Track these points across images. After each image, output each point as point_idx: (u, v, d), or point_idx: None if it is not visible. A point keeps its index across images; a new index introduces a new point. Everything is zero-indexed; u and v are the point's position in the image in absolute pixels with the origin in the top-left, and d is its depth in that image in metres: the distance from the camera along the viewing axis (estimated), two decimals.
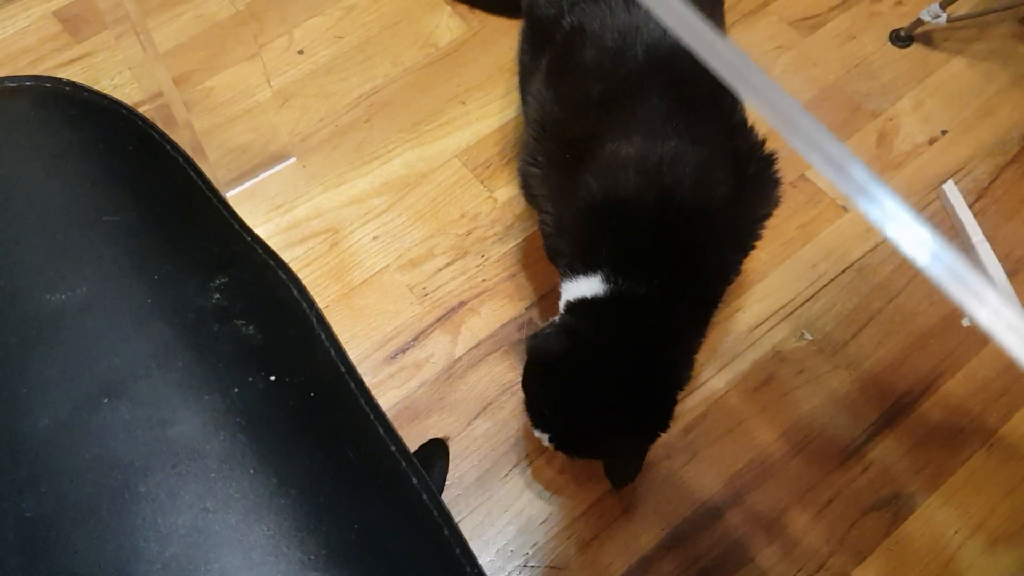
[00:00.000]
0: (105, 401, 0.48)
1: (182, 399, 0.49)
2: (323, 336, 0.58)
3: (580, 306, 0.97)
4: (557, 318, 1.01)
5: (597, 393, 0.96)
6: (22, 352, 0.50)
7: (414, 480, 0.53)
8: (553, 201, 1.02)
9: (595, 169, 0.96)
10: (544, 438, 1.01)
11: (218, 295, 0.54)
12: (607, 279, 0.95)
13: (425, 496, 0.52)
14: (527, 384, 1.02)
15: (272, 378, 0.52)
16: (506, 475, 1.11)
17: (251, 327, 0.54)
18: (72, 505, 0.46)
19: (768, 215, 1.03)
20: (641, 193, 0.94)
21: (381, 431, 0.54)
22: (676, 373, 0.99)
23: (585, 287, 0.97)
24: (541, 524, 1.08)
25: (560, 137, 1.02)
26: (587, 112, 1.00)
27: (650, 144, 0.95)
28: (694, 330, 1.00)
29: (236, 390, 0.50)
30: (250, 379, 0.51)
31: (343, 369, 0.57)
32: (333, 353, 0.57)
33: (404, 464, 0.53)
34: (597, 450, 1.01)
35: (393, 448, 0.54)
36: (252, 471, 0.48)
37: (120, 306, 0.52)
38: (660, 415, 0.98)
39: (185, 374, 0.50)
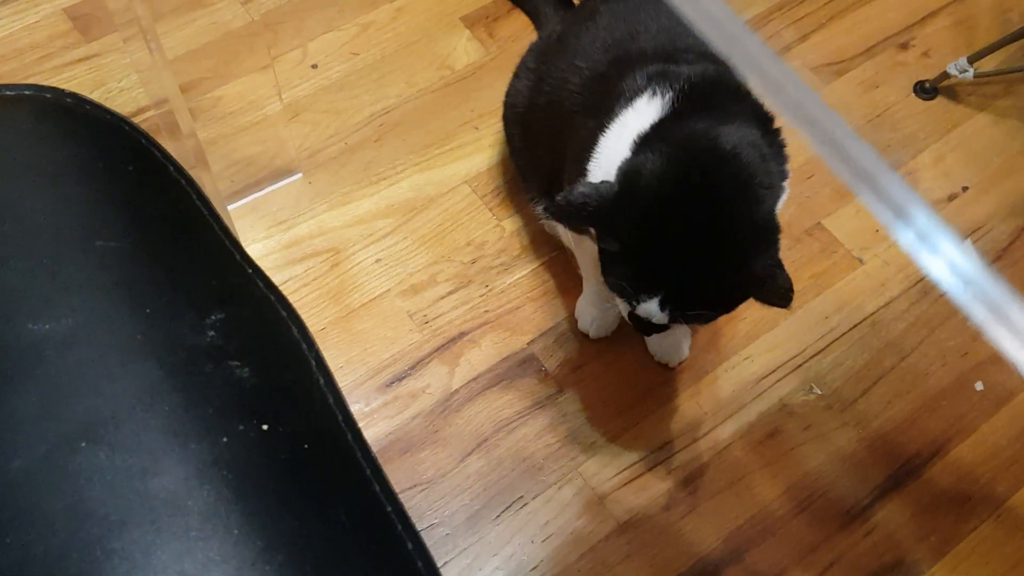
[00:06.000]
0: (83, 445, 0.45)
1: (166, 447, 0.46)
2: (321, 381, 0.54)
3: (643, 140, 0.87)
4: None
5: (704, 212, 0.83)
6: None
7: (409, 545, 0.49)
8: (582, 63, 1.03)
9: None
10: (652, 305, 0.85)
11: (213, 332, 0.51)
12: (664, 91, 0.88)
13: (420, 564, 0.49)
14: (608, 239, 0.87)
15: (264, 427, 0.49)
16: (497, 517, 1.07)
17: (246, 369, 0.50)
18: (39, 558, 0.43)
19: None
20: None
21: (377, 489, 0.51)
22: (766, 179, 0.86)
23: (637, 120, 0.88)
24: (532, 571, 1.04)
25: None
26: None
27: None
28: (767, 138, 0.90)
29: (225, 439, 0.47)
30: (241, 427, 0.48)
31: (340, 418, 0.53)
32: (331, 399, 0.54)
33: (399, 527, 0.50)
34: (734, 287, 0.86)
35: (389, 509, 0.50)
36: (236, 531, 0.44)
37: (107, 341, 0.48)
38: (772, 220, 0.86)
39: (171, 419, 0.46)
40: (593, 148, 0.94)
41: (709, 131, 0.86)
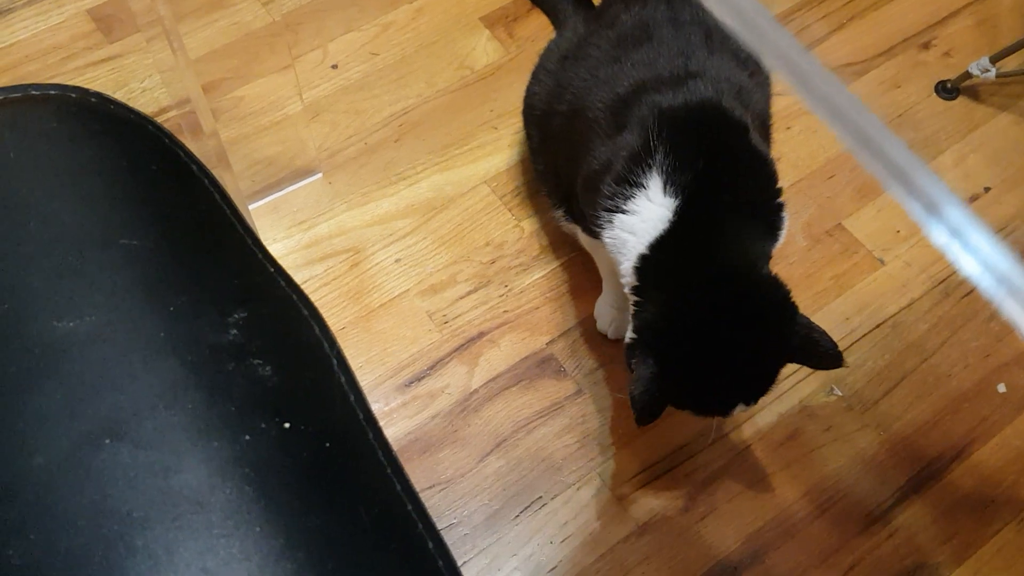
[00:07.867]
0: (106, 442, 0.45)
1: (188, 444, 0.46)
2: (343, 379, 0.54)
3: (655, 257, 0.93)
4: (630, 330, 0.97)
5: (740, 314, 0.93)
6: (22, 382, 0.47)
7: (430, 544, 0.49)
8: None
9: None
10: (735, 411, 0.98)
11: (235, 331, 0.51)
12: (676, 189, 0.92)
13: (441, 563, 0.49)
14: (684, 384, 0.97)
15: (286, 425, 0.49)
16: (516, 517, 1.07)
17: (268, 367, 0.51)
18: (62, 554, 0.43)
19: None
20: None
21: (398, 487, 0.51)
22: (757, 252, 0.96)
23: (651, 216, 0.93)
24: (550, 571, 1.04)
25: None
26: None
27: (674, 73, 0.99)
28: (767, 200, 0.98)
29: (247, 437, 0.47)
30: (263, 426, 0.48)
31: (361, 416, 0.53)
32: (352, 399, 0.54)
33: (421, 526, 0.49)
34: (785, 359, 0.97)
35: (410, 507, 0.50)
36: (258, 529, 0.44)
37: (130, 338, 0.48)
38: (782, 287, 0.95)
39: (193, 417, 0.47)
40: (609, 208, 0.97)
41: (722, 267, 0.93)
